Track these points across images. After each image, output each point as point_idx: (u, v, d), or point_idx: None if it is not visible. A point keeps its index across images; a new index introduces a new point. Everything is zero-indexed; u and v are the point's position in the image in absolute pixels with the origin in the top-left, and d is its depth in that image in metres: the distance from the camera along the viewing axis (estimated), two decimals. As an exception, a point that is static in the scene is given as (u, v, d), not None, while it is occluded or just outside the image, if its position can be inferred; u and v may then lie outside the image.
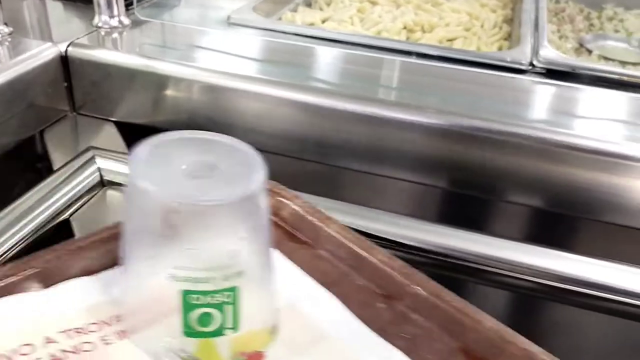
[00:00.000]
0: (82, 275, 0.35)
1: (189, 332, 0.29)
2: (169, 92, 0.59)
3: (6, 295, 0.32)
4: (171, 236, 0.28)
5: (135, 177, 0.28)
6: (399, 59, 0.63)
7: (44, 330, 0.30)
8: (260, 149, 0.31)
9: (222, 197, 0.27)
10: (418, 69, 0.63)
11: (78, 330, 0.31)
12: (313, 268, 0.37)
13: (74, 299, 0.33)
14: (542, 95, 0.60)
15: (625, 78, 0.61)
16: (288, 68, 0.61)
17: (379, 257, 0.36)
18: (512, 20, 0.91)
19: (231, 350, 0.30)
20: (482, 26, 0.85)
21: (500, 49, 0.80)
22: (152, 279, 0.30)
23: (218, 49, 0.66)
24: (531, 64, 0.62)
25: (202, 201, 0.27)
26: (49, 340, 0.30)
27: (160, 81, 0.60)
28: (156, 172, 0.28)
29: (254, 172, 0.29)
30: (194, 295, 0.28)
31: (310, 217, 0.40)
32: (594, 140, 0.49)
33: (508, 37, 0.85)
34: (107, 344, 0.30)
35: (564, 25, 0.97)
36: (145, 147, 0.30)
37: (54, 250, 0.35)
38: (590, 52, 0.90)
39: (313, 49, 0.65)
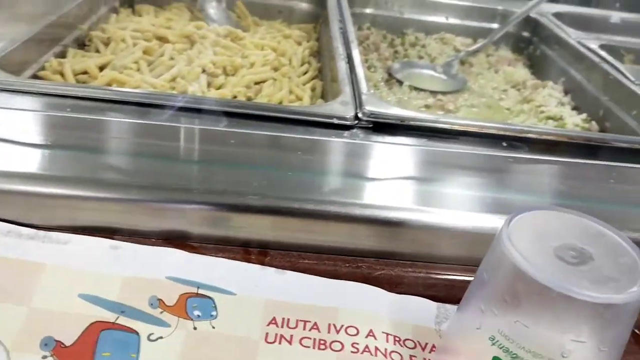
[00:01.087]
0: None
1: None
2: None
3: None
4: (513, 304, 0.28)
5: (509, 244, 0.29)
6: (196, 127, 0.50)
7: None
8: None
9: (593, 295, 0.26)
10: (225, 135, 0.50)
11: (397, 339, 0.37)
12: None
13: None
14: (368, 156, 0.52)
15: (456, 127, 0.55)
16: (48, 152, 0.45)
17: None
18: (319, 53, 0.84)
19: None
20: (290, 63, 0.76)
21: (313, 90, 0.72)
22: (474, 330, 0.30)
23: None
24: (356, 118, 0.54)
25: (575, 293, 0.26)
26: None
27: None
28: (529, 245, 0.29)
29: (634, 277, 0.28)
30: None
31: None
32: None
33: (319, 74, 0.78)
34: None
35: (370, 54, 0.93)
36: (523, 216, 0.31)
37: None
38: (401, 83, 0.87)
39: (71, 121, 0.49)
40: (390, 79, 0.89)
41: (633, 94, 0.71)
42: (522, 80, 0.91)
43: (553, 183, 0.52)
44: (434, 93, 0.86)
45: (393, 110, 0.56)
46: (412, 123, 0.55)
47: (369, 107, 0.54)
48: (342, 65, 0.65)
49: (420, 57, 0.98)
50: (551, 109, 0.80)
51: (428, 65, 0.95)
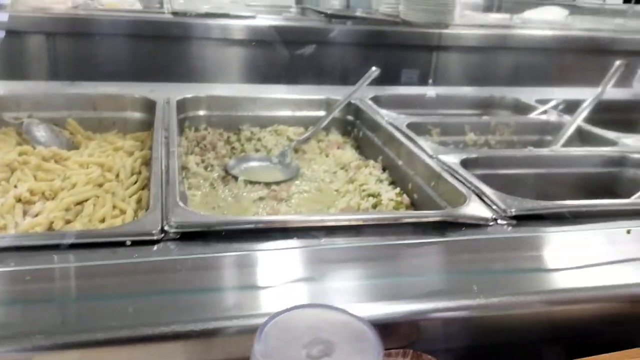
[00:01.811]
0: None
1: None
2: None
3: None
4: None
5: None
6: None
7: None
8: None
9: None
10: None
11: None
12: None
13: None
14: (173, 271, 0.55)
15: (261, 226, 0.60)
16: None
17: None
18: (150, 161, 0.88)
19: None
20: (117, 176, 0.79)
21: (139, 201, 0.74)
22: None
23: None
24: (163, 231, 0.57)
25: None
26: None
27: None
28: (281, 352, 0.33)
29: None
30: None
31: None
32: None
33: (148, 182, 0.81)
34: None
35: (207, 153, 0.98)
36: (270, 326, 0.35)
37: None
38: (236, 178, 0.92)
39: None
40: (227, 175, 0.93)
41: (430, 167, 0.81)
42: (349, 161, 1.00)
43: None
44: (268, 184, 0.92)
45: (200, 218, 0.59)
46: (218, 229, 0.59)
47: (175, 219, 0.58)
48: (157, 176, 0.68)
49: (257, 150, 1.04)
50: (371, 187, 0.89)
51: (264, 157, 1.02)
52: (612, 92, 1.35)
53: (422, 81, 2.21)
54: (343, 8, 3.00)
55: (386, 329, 0.50)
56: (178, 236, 0.57)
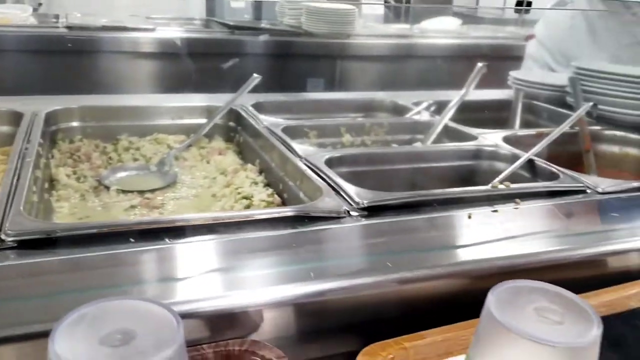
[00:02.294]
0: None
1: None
2: None
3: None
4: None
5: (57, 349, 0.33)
6: None
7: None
8: None
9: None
10: None
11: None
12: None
13: None
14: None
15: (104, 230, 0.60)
16: None
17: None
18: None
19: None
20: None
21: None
22: None
23: None
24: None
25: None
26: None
27: None
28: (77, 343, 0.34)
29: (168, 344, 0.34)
30: None
31: None
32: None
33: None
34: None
35: (81, 164, 0.96)
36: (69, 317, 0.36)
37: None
38: (108, 188, 0.91)
39: None
40: (99, 185, 0.92)
41: (297, 167, 0.83)
42: (229, 167, 1.01)
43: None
44: (142, 192, 0.91)
45: (39, 225, 0.59)
46: (60, 235, 0.58)
47: (12, 227, 0.57)
48: (5, 187, 0.67)
49: (136, 160, 1.03)
50: (245, 189, 0.90)
51: (141, 166, 1.01)
52: (490, 93, 1.45)
53: (326, 89, 2.27)
54: (249, 20, 3.03)
55: (224, 320, 0.52)
56: (16, 244, 0.56)
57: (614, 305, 0.62)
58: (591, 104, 1.05)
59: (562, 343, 0.39)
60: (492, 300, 0.42)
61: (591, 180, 0.84)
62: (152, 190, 0.93)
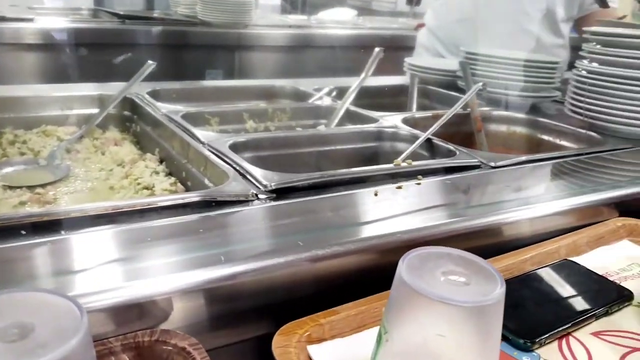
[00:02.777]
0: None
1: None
2: None
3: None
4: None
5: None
6: None
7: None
8: None
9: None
10: None
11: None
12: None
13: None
14: None
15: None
16: None
17: None
18: None
19: None
20: None
21: None
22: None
23: None
24: None
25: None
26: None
27: None
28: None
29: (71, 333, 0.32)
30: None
31: None
32: None
33: None
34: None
35: (-43, 161, 0.87)
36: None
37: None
38: (-9, 184, 0.83)
39: None
40: (-24, 182, 0.84)
41: (200, 153, 0.81)
42: (126, 157, 0.96)
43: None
44: (32, 188, 0.85)
45: None
46: None
47: None
48: None
49: (23, 154, 0.95)
50: (146, 180, 0.86)
51: (29, 160, 0.93)
52: (388, 79, 1.49)
53: (225, 79, 2.23)
54: (141, 10, 2.91)
55: (130, 311, 0.49)
56: None
57: (512, 270, 0.66)
58: (480, 84, 1.11)
59: (470, 302, 0.40)
60: (403, 266, 0.43)
61: (485, 156, 0.89)
62: (43, 185, 0.86)
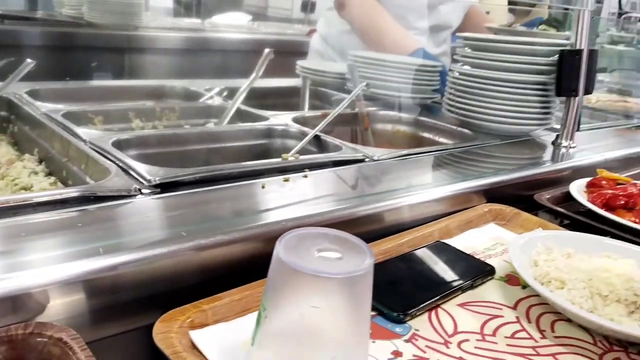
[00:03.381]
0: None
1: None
2: None
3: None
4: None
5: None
6: None
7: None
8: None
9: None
10: None
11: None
12: None
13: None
14: None
15: None
16: None
17: None
18: None
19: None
20: None
21: None
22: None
23: None
24: None
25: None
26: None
27: None
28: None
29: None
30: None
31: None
32: None
33: None
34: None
35: None
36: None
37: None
38: None
39: None
40: None
41: (81, 151, 0.78)
42: (3, 158, 0.91)
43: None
44: None
45: None
46: None
47: None
48: None
49: None
50: (24, 180, 0.82)
51: None
52: (280, 81, 1.52)
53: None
54: (23, 10, 2.74)
55: (5, 304, 0.47)
56: None
57: (390, 252, 0.70)
58: (365, 83, 1.17)
59: (342, 274, 0.43)
60: (280, 246, 0.45)
61: (368, 150, 0.94)
62: None
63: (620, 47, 2.61)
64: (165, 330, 0.49)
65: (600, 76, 2.07)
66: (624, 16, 2.97)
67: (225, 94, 1.21)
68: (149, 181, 0.69)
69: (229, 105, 1.10)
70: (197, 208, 0.67)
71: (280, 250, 0.44)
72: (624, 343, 0.57)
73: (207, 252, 0.58)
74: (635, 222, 0.82)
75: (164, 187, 0.69)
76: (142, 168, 0.71)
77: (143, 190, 0.68)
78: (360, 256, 0.46)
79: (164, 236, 0.59)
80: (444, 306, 0.61)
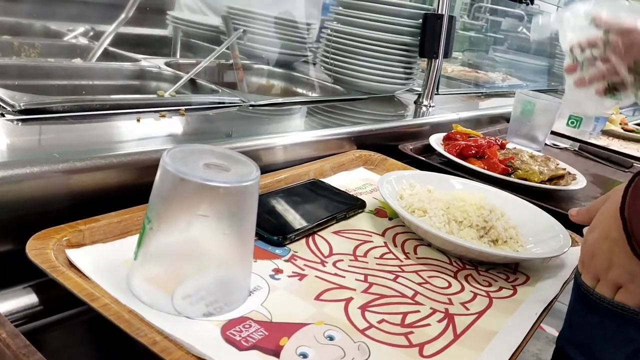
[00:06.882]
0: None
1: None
2: None
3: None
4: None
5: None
6: None
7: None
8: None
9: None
10: None
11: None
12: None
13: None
14: None
15: None
16: None
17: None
18: None
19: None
20: None
21: None
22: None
23: None
24: None
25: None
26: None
27: None
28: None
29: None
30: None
31: None
32: None
33: None
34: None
35: None
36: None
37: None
38: None
39: None
40: None
41: None
42: None
43: None
44: None
45: None
46: None
47: None
48: None
49: None
50: None
51: None
52: (151, 30, 1.45)
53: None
54: None
55: None
56: None
57: (269, 187, 0.72)
58: (242, 30, 1.17)
59: (230, 182, 0.44)
60: (166, 157, 0.45)
61: (245, 96, 0.94)
62: None
63: (471, 34, 2.85)
64: (40, 247, 0.47)
65: (454, 54, 2.25)
66: (475, 5, 3.23)
67: (91, 34, 1.14)
68: (12, 106, 0.64)
69: (96, 46, 1.04)
70: (69, 134, 0.64)
71: (166, 160, 0.44)
72: (475, 262, 0.65)
73: (81, 175, 0.56)
74: (484, 168, 0.92)
75: (29, 113, 0.65)
76: (5, 93, 0.65)
77: (6, 116, 0.63)
78: (247, 169, 0.48)
79: (34, 158, 0.55)
80: (321, 233, 0.64)
